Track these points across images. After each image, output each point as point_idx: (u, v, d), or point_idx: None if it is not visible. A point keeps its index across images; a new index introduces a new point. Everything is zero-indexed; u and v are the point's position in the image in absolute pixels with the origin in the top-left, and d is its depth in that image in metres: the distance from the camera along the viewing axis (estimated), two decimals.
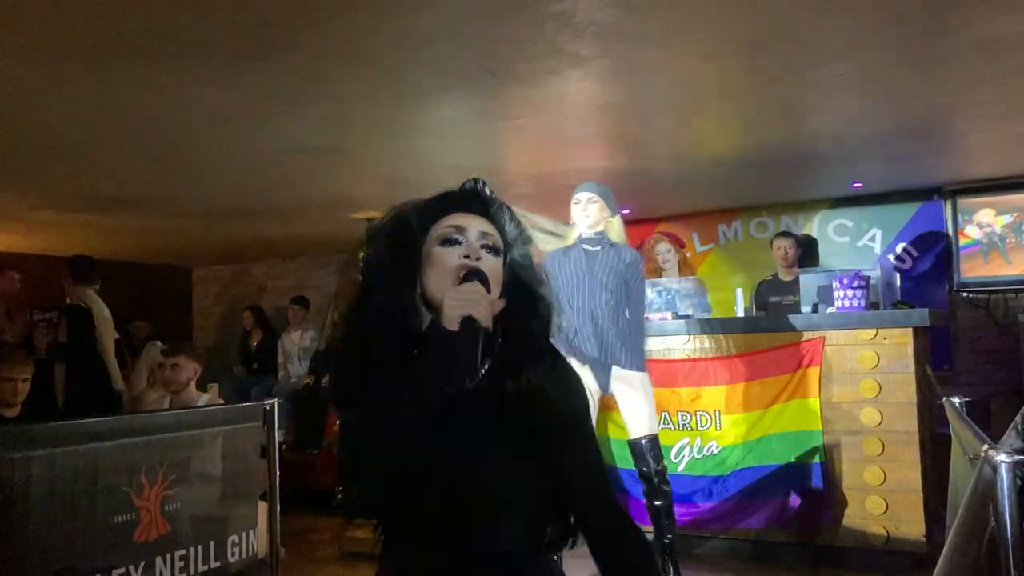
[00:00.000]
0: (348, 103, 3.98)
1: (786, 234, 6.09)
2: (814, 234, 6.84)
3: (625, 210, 7.23)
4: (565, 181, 5.57)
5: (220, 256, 9.43)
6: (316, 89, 3.75)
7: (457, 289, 1.31)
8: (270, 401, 3.70)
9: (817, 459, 4.23)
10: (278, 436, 3.79)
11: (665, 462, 3.81)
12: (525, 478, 1.33)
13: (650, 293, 4.77)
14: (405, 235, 1.43)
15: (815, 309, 4.62)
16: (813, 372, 4.27)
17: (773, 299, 5.50)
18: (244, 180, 5.56)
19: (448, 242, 1.40)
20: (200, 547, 3.30)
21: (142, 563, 3.20)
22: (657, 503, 3.73)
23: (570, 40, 3.25)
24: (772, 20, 3.16)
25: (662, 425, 4.56)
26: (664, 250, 6.11)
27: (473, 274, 1.33)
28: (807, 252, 6.22)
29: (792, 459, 4.28)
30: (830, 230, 6.90)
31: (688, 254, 7.21)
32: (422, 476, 1.28)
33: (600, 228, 3.79)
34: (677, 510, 4.45)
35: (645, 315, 3.98)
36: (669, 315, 4.73)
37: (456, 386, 1.27)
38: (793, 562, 4.27)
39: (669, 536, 3.72)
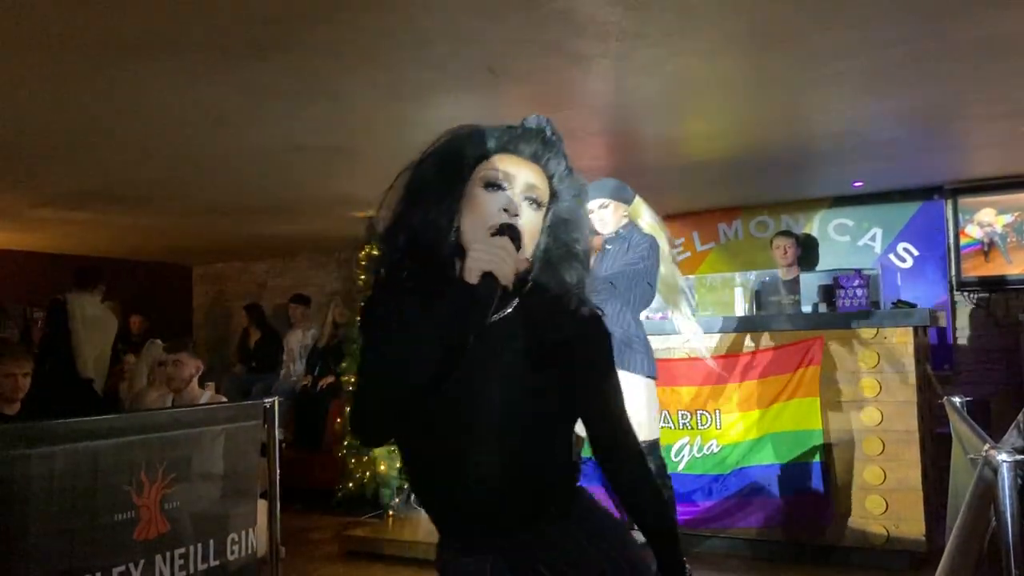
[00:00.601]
0: (348, 101, 3.98)
1: (786, 233, 6.08)
2: (815, 233, 6.84)
3: None
4: None
5: (220, 254, 9.43)
6: (316, 88, 3.75)
7: (485, 241, 1.28)
8: (270, 399, 3.70)
9: (817, 458, 4.23)
10: (278, 435, 3.79)
11: (665, 462, 3.73)
12: (541, 408, 1.35)
13: None
14: (453, 166, 1.41)
15: (815, 308, 4.62)
16: (813, 371, 4.27)
17: (773, 298, 5.50)
18: (244, 178, 5.56)
19: (491, 186, 1.37)
20: (200, 545, 3.29)
21: (142, 561, 3.20)
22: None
23: (570, 38, 3.25)
24: (772, 18, 3.16)
25: (662, 424, 4.57)
26: None
27: (507, 228, 1.31)
28: (807, 251, 6.22)
29: (792, 458, 4.28)
30: (831, 229, 6.90)
31: (688, 254, 7.22)
32: (435, 403, 1.31)
33: (620, 225, 3.63)
34: (678, 508, 4.47)
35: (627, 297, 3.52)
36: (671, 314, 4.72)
37: (461, 340, 1.26)
38: (793, 561, 4.28)
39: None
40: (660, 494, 1.49)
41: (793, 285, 5.22)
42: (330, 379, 7.40)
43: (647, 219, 3.68)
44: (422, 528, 5.79)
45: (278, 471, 3.76)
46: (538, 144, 1.42)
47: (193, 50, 3.25)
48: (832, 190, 6.67)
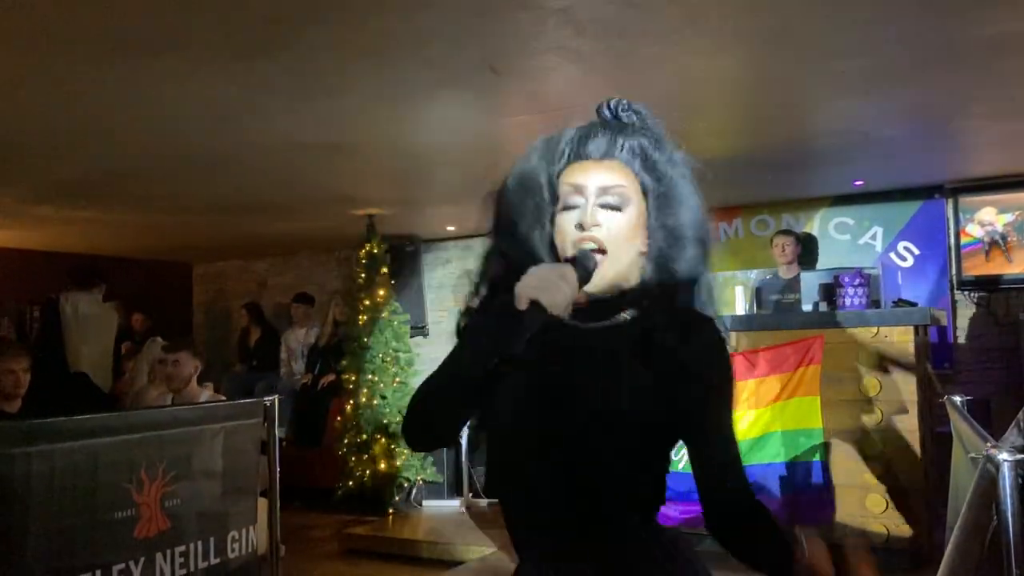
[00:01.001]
0: (350, 99, 3.98)
1: (785, 231, 6.08)
2: (815, 232, 6.83)
3: None
4: None
5: (221, 252, 9.43)
6: (318, 86, 3.75)
7: (541, 268, 1.24)
8: (270, 398, 3.70)
9: (817, 457, 4.23)
10: (278, 433, 3.80)
11: None
12: (634, 423, 1.27)
13: None
14: (532, 190, 1.36)
15: (816, 307, 4.62)
16: (814, 370, 4.27)
17: (773, 297, 5.50)
18: (244, 176, 5.56)
19: (567, 208, 1.31)
20: (200, 543, 3.29)
21: (142, 559, 3.20)
22: None
23: (571, 36, 3.25)
24: (774, 17, 3.15)
25: None
26: None
27: (575, 257, 1.27)
28: (807, 250, 6.22)
29: (792, 457, 4.28)
30: (831, 228, 6.89)
31: None
32: (497, 416, 1.30)
33: None
34: (677, 507, 4.46)
35: None
36: None
37: (496, 362, 1.22)
38: None
39: None
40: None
41: (793, 284, 5.22)
42: (331, 378, 7.41)
43: None
44: (422, 527, 5.79)
45: (278, 469, 3.76)
46: (607, 137, 1.34)
47: (195, 48, 3.25)
48: (833, 189, 6.67)
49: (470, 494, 6.25)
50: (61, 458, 2.85)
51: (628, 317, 1.32)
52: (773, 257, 5.94)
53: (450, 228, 7.99)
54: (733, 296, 5.18)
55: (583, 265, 1.26)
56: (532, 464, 1.29)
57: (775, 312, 5.11)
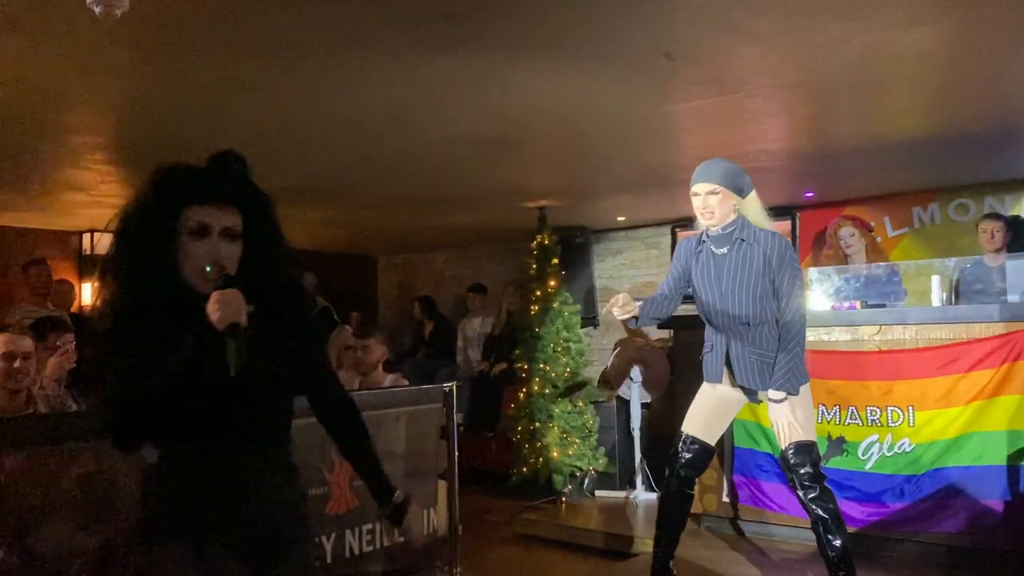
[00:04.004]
0: (522, 93, 4.03)
1: (995, 215, 5.59)
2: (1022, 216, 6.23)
3: (808, 193, 6.90)
4: (745, 164, 5.39)
5: (402, 245, 9.85)
6: (492, 81, 3.83)
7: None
8: (449, 384, 3.83)
9: None
10: (456, 418, 3.92)
11: (820, 476, 3.29)
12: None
13: (837, 280, 4.53)
14: None
15: None
16: (1021, 366, 3.91)
17: (977, 287, 5.07)
18: (422, 172, 5.77)
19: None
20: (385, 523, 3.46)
21: (333, 534, 3.41)
22: (811, 516, 3.31)
23: (749, 17, 3.13)
24: None
25: (848, 420, 4.34)
26: (847, 234, 5.77)
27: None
28: (1017, 235, 5.68)
29: (997, 460, 3.95)
30: None
31: (878, 239, 6.79)
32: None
33: (731, 219, 3.24)
34: (864, 510, 4.24)
35: (800, 310, 3.25)
36: (859, 304, 4.48)
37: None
38: (996, 572, 3.93)
39: (832, 554, 3.26)
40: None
41: (999, 272, 4.79)
42: (503, 366, 7.57)
43: (758, 217, 3.27)
44: (594, 516, 5.81)
45: (456, 453, 3.89)
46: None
47: (377, 49, 3.40)
48: None
49: (643, 486, 6.20)
50: None
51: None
52: (979, 244, 5.47)
53: (620, 218, 7.94)
54: (928, 286, 4.82)
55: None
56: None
57: (977, 303, 4.71)
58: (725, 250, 3.24)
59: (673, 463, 3.53)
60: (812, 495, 3.26)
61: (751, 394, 3.38)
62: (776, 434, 3.35)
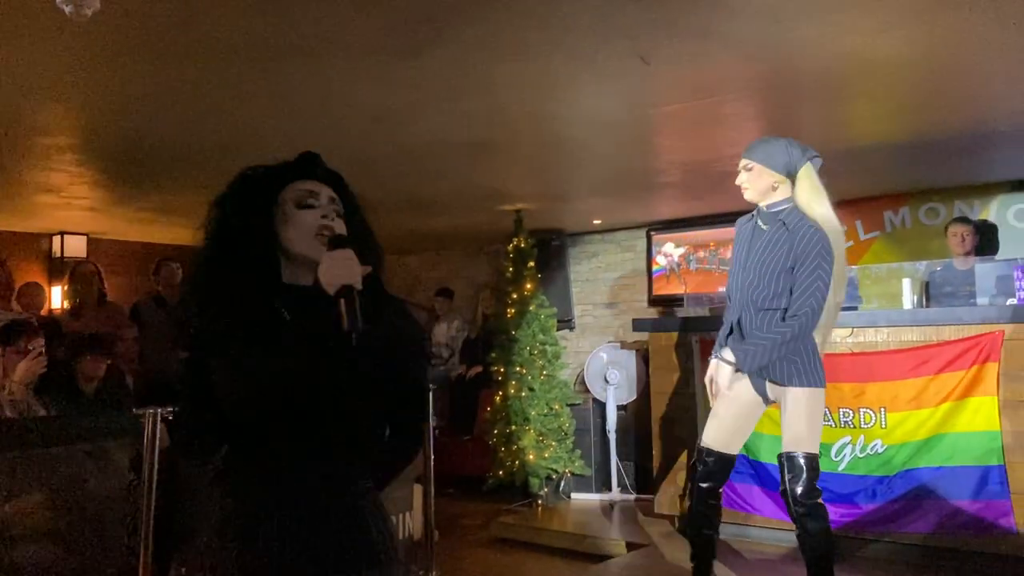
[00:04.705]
0: (499, 96, 4.03)
1: (963, 220, 5.67)
2: (992, 220, 6.33)
3: None
4: (719, 168, 5.43)
5: None
6: (468, 83, 3.82)
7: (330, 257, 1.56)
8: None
9: (996, 461, 3.93)
10: (432, 422, 3.91)
11: (814, 492, 3.14)
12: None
13: None
14: None
15: (993, 301, 4.30)
16: (991, 368, 3.97)
17: (946, 290, 5.15)
18: (398, 175, 5.75)
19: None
20: None
21: None
22: (799, 532, 3.19)
23: (724, 20, 3.15)
24: None
25: (822, 422, 4.38)
26: None
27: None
28: (985, 239, 5.78)
29: (967, 461, 4.00)
30: (1010, 215, 6.36)
31: (850, 243, 6.87)
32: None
33: (777, 198, 3.17)
34: (837, 511, 4.27)
35: (808, 307, 3.10)
36: None
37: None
38: (967, 571, 3.99)
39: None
40: None
41: (968, 276, 4.87)
42: (478, 369, 7.57)
43: (807, 199, 3.16)
44: (571, 519, 5.82)
45: (432, 457, 3.87)
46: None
47: (353, 52, 3.39)
48: (1013, 173, 6.15)
49: (618, 488, 6.21)
50: None
51: None
52: (948, 247, 5.55)
53: (596, 221, 7.97)
54: (899, 289, 4.88)
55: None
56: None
57: (947, 306, 4.78)
58: (767, 228, 3.21)
59: (691, 477, 3.43)
60: (807, 520, 3.14)
61: (764, 395, 3.27)
62: (783, 433, 3.21)
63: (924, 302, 5.17)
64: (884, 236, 6.95)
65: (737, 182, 3.29)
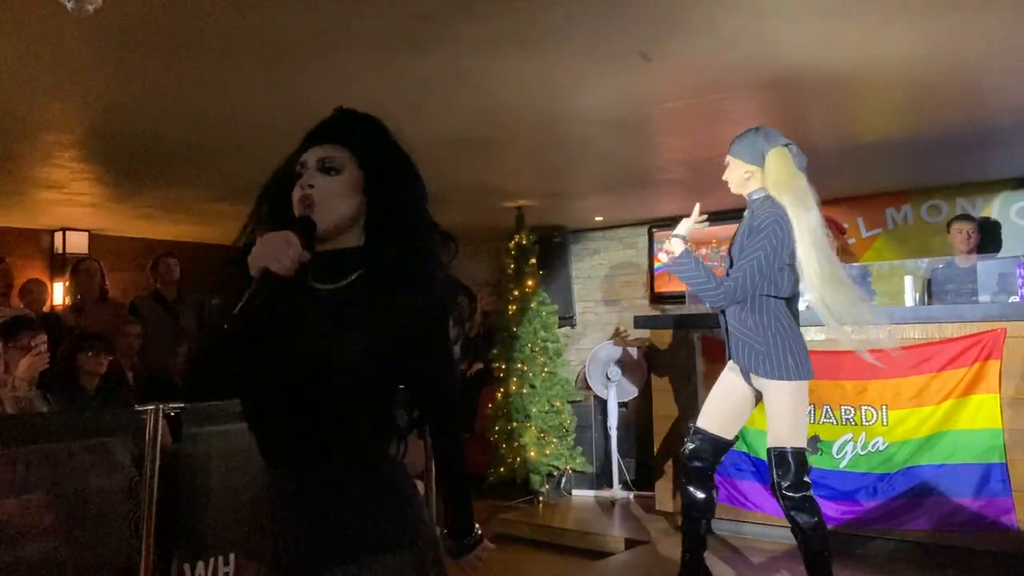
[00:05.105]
0: (499, 93, 4.02)
1: (966, 217, 5.66)
2: (994, 218, 6.32)
3: None
4: (721, 164, 5.42)
5: None
6: (469, 80, 3.82)
7: (264, 238, 1.48)
8: None
9: (997, 459, 3.93)
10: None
11: (801, 486, 3.16)
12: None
13: None
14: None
15: (995, 298, 4.29)
16: (993, 366, 3.97)
17: (949, 287, 5.14)
18: None
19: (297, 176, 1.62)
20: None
21: None
22: (792, 526, 3.21)
23: (727, 17, 3.14)
24: None
25: (823, 419, 4.38)
26: None
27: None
28: (988, 236, 5.77)
29: (968, 459, 4.00)
30: (1012, 213, 6.35)
31: (852, 240, 6.86)
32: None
33: (753, 187, 3.25)
34: (838, 508, 4.27)
35: (747, 276, 3.14)
36: None
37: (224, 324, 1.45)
38: (968, 568, 3.99)
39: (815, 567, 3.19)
40: None
41: (971, 273, 4.86)
42: (479, 365, 7.57)
43: (774, 181, 3.19)
44: (572, 516, 5.82)
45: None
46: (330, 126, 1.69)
47: (354, 48, 3.38)
48: (1016, 170, 6.14)
49: (619, 485, 6.22)
50: (236, 438, 3.07)
51: (354, 277, 1.54)
52: (951, 244, 5.54)
53: (598, 218, 7.96)
54: (902, 286, 4.88)
55: (305, 232, 1.48)
56: (271, 405, 1.50)
57: (949, 304, 4.77)
58: (746, 215, 3.33)
59: (682, 457, 3.47)
60: (798, 513, 3.16)
61: (747, 377, 3.30)
62: (768, 429, 3.24)
63: (926, 299, 5.17)
64: (886, 233, 6.94)
65: (723, 178, 3.40)
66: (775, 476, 3.18)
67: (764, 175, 3.22)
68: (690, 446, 3.43)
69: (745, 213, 3.36)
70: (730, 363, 3.38)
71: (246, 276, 1.45)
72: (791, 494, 3.16)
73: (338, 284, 1.54)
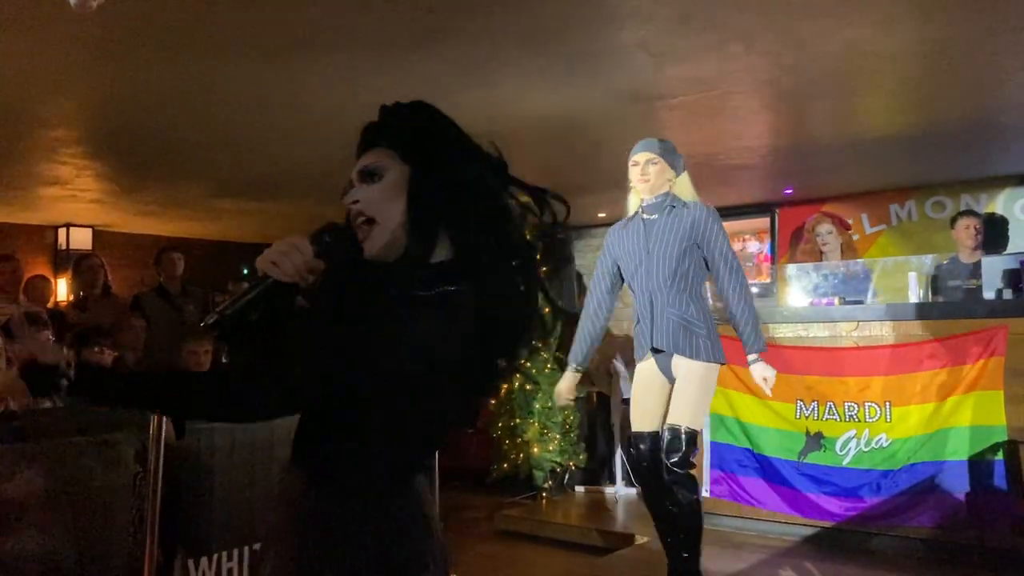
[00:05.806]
0: (502, 89, 4.02)
1: (972, 212, 5.65)
2: (1000, 213, 6.30)
3: (788, 190, 6.95)
4: (725, 161, 5.42)
5: None
6: (471, 76, 3.82)
7: (276, 244, 1.42)
8: None
9: (1000, 456, 3.92)
10: None
11: (687, 464, 3.29)
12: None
13: (815, 276, 4.57)
14: None
15: (999, 295, 4.28)
16: (996, 363, 3.96)
17: (952, 283, 5.13)
18: None
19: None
20: None
21: None
22: (669, 502, 3.32)
23: (732, 13, 3.14)
24: None
25: (826, 416, 4.38)
26: (825, 232, 5.80)
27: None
28: (996, 233, 5.75)
29: (971, 455, 4.00)
30: (1017, 209, 6.34)
31: (856, 236, 6.85)
32: None
33: (663, 191, 3.37)
34: (841, 504, 4.27)
35: (738, 274, 3.33)
36: (836, 300, 4.51)
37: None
38: (971, 564, 3.98)
39: (684, 554, 3.33)
40: None
41: (975, 269, 4.85)
42: None
43: (689, 194, 3.40)
44: (575, 512, 5.82)
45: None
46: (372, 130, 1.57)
47: (355, 44, 3.38)
48: (1020, 167, 6.13)
49: (622, 481, 6.22)
50: (241, 434, 3.07)
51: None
52: (957, 240, 5.53)
53: (601, 215, 7.96)
54: (905, 283, 4.86)
55: (318, 239, 1.45)
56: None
57: (953, 300, 4.76)
58: (656, 216, 3.38)
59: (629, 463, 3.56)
60: (673, 478, 3.29)
61: (666, 368, 3.38)
62: (671, 408, 3.35)
63: (930, 296, 5.16)
64: (890, 230, 6.93)
65: (639, 175, 3.38)
66: (664, 450, 3.32)
67: (678, 185, 3.41)
68: (633, 453, 3.52)
69: (647, 213, 3.40)
70: (645, 360, 3.43)
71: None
72: (677, 469, 3.30)
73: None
